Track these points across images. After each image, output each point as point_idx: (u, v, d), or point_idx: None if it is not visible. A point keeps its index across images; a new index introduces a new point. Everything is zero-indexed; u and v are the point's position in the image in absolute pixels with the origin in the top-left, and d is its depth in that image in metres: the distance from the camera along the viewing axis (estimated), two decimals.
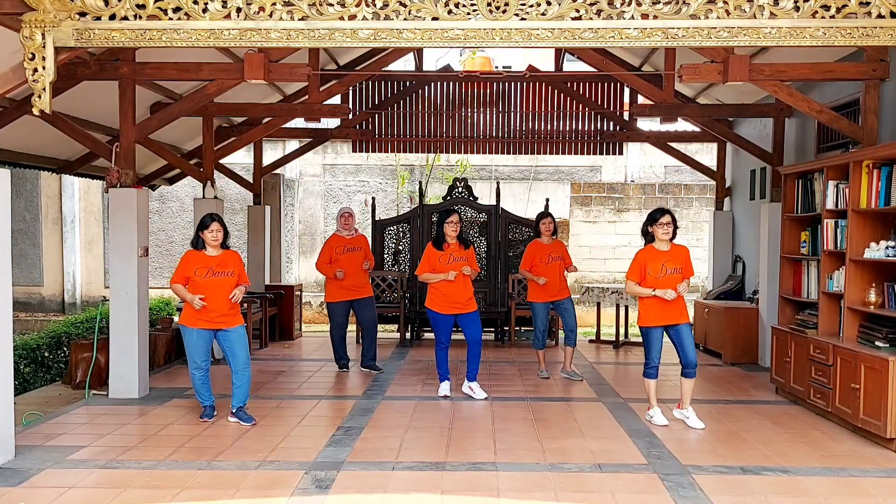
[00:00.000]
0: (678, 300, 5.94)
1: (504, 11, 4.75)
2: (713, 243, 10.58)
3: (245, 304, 6.05)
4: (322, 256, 7.98)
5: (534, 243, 7.79)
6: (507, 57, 15.49)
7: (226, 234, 6.03)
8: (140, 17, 4.76)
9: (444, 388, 7.00)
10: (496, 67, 14.40)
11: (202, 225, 5.93)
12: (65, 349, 9.66)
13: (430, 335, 11.07)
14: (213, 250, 5.96)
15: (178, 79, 7.34)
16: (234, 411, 6.00)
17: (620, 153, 11.45)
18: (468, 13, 4.76)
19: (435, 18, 4.76)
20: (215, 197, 8.96)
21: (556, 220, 13.32)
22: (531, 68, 10.10)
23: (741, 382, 7.75)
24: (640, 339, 10.39)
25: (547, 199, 11.52)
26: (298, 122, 10.89)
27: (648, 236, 6.10)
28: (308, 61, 7.81)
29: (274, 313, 10.28)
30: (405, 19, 4.76)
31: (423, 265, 6.99)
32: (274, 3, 4.76)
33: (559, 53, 11.07)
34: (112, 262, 6.92)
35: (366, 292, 8.02)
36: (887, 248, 5.58)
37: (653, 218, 6.04)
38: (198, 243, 5.97)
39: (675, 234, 6.08)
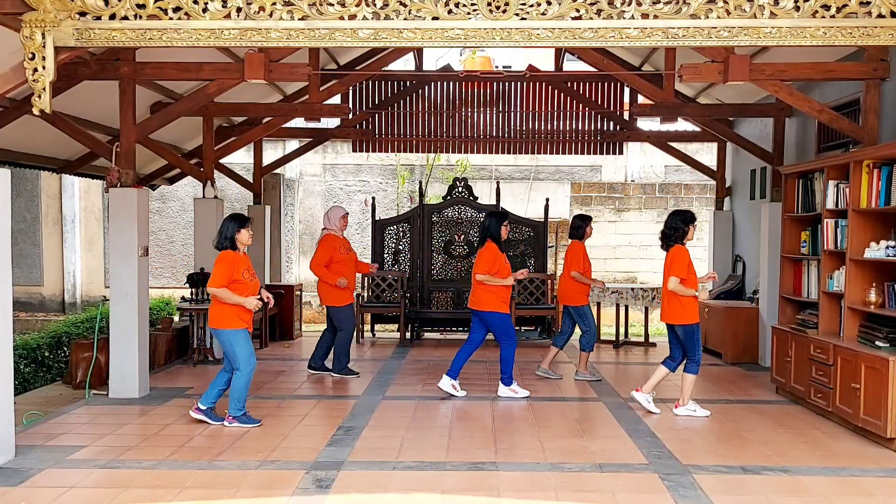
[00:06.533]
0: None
1: (504, 11, 4.75)
2: (713, 243, 10.58)
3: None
4: (321, 257, 7.57)
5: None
6: (507, 57, 15.48)
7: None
8: (140, 17, 4.76)
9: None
10: (496, 67, 14.39)
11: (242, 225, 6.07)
12: (65, 349, 9.67)
13: (430, 335, 11.08)
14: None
15: (178, 79, 7.34)
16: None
17: (620, 153, 11.46)
18: (468, 13, 4.76)
19: (435, 18, 4.76)
20: (215, 197, 8.96)
21: (557, 220, 13.45)
22: (531, 68, 10.10)
23: (741, 382, 7.75)
24: (639, 340, 10.44)
25: (547, 199, 11.52)
26: (298, 122, 10.88)
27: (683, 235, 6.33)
28: (308, 61, 7.81)
29: (274, 313, 10.27)
30: (405, 19, 4.76)
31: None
32: (274, 3, 4.76)
33: (559, 53, 11.06)
34: (112, 261, 6.92)
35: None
36: (887, 247, 5.58)
37: (692, 218, 6.37)
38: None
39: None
